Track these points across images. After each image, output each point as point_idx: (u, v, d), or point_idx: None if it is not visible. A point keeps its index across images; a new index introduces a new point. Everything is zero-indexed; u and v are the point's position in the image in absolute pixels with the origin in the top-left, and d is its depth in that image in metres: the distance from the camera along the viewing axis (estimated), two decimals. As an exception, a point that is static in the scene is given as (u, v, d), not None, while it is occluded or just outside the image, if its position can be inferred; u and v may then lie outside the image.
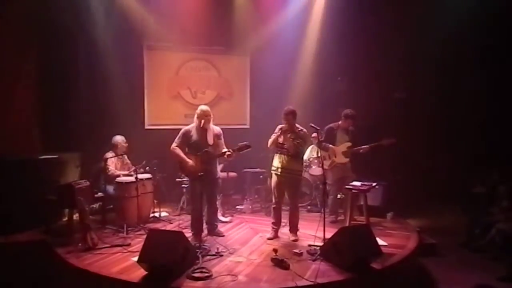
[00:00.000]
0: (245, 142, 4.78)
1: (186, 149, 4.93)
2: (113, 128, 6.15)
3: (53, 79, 6.33)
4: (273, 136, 4.95)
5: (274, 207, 5.11)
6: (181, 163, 4.89)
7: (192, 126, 4.96)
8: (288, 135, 4.88)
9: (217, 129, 5.04)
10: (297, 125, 4.97)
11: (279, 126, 4.96)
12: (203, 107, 4.98)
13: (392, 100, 7.50)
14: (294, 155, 4.90)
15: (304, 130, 4.98)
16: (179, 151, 4.88)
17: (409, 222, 5.88)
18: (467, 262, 5.09)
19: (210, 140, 4.89)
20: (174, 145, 4.91)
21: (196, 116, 4.94)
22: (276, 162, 5.01)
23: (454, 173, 6.94)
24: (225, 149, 4.89)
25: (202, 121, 4.85)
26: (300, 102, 7.29)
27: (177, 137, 4.95)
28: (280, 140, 4.90)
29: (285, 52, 7.52)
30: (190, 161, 4.81)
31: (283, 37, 7.51)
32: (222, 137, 5.05)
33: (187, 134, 4.93)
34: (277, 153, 5.02)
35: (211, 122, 4.95)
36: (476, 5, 6.54)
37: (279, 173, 4.96)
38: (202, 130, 4.89)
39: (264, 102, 7.53)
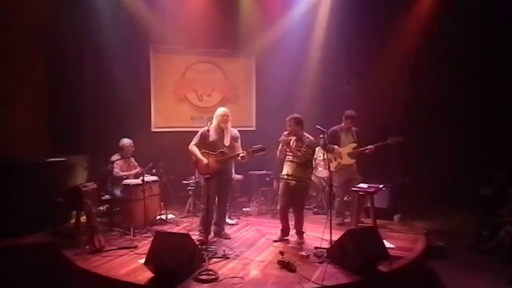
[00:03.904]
0: (260, 145, 4.79)
1: (203, 148, 4.98)
2: (120, 131, 6.19)
3: (60, 82, 6.38)
4: (279, 147, 4.95)
5: (280, 216, 5.06)
6: (197, 161, 4.98)
7: (210, 127, 5.03)
8: (293, 143, 4.85)
9: (234, 131, 5.12)
10: (306, 134, 4.89)
11: (284, 134, 4.89)
12: (222, 109, 5.12)
13: (399, 101, 7.46)
14: (301, 163, 4.85)
15: (311, 138, 4.90)
16: (195, 149, 4.98)
17: (416, 224, 5.84)
18: (476, 265, 5.04)
19: (227, 142, 4.97)
20: (192, 143, 5.04)
21: (214, 117, 5.07)
22: (285, 169, 4.98)
23: (462, 175, 6.88)
24: (240, 151, 4.94)
25: (223, 122, 4.96)
26: (306, 104, 7.31)
27: (195, 136, 5.07)
28: (288, 146, 4.88)
29: (290, 54, 7.52)
30: (205, 160, 4.86)
31: (288, 39, 7.52)
32: (239, 141, 5.10)
33: (204, 134, 4.97)
34: (285, 160, 4.98)
35: (229, 124, 5.04)
36: (482, 6, 6.52)
37: (286, 180, 4.94)
38: (220, 131, 5.00)
39: (270, 104, 7.53)
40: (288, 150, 4.88)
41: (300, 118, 4.89)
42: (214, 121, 5.04)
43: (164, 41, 7.32)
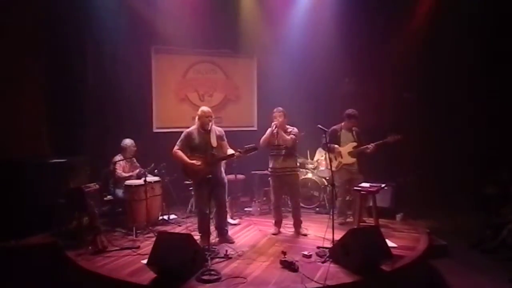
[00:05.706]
0: (252, 145, 4.72)
1: (189, 151, 4.78)
2: (121, 131, 6.21)
3: (62, 83, 6.38)
4: (268, 133, 5.06)
5: (274, 207, 5.33)
6: (184, 166, 4.75)
7: (194, 128, 4.83)
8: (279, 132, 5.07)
9: (219, 130, 4.91)
10: (288, 126, 5.16)
11: (274, 123, 5.09)
12: (204, 108, 4.86)
13: (401, 100, 7.44)
14: (289, 153, 5.07)
15: (295, 129, 5.15)
16: (181, 154, 4.73)
17: (419, 223, 5.83)
18: (479, 263, 5.02)
19: (214, 142, 4.75)
20: (176, 148, 4.76)
21: (197, 117, 4.84)
22: (272, 163, 5.16)
23: (465, 174, 6.85)
24: (231, 151, 4.82)
25: (206, 123, 4.77)
26: (307, 104, 7.30)
27: (179, 139, 4.81)
28: (275, 141, 5.07)
29: (292, 53, 7.51)
30: (195, 162, 4.67)
31: (290, 39, 7.51)
32: (225, 138, 4.92)
33: (189, 136, 4.79)
34: (271, 154, 5.17)
35: (213, 123, 4.86)
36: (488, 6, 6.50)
37: (276, 174, 5.11)
38: (205, 132, 4.77)
39: (272, 104, 7.49)
40: (277, 142, 5.06)
41: (283, 110, 5.15)
42: (198, 122, 4.80)
43: (166, 41, 7.32)
